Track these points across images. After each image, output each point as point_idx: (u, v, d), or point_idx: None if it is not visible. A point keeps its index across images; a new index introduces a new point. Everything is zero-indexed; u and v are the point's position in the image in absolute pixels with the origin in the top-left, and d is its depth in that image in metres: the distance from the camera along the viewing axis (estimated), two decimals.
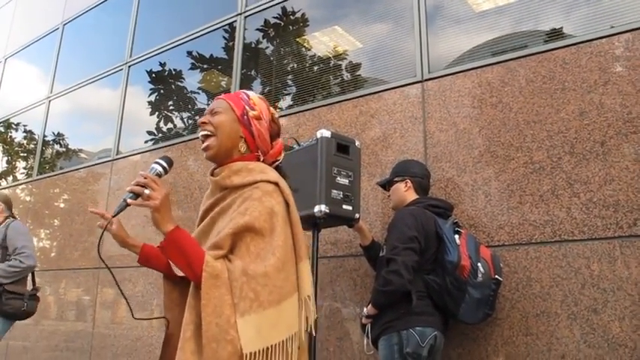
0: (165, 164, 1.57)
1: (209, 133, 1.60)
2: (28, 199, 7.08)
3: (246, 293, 1.35)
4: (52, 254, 6.33)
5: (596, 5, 2.99)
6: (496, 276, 2.52)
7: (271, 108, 1.72)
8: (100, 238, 1.54)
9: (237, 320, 1.33)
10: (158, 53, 5.77)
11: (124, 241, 1.66)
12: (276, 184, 1.53)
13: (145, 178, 1.44)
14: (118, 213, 1.46)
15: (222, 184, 1.56)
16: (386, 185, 2.95)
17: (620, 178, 2.60)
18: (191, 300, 1.42)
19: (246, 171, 1.55)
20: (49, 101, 7.10)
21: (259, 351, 1.34)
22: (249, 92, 1.72)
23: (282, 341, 1.39)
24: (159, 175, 1.54)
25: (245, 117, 1.62)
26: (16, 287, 3.77)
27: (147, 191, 1.41)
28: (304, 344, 1.52)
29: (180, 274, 1.51)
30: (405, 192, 2.83)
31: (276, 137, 1.72)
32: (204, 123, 1.62)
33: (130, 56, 6.07)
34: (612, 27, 2.84)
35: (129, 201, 1.43)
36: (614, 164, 2.63)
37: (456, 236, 2.59)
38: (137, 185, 1.43)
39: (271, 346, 1.36)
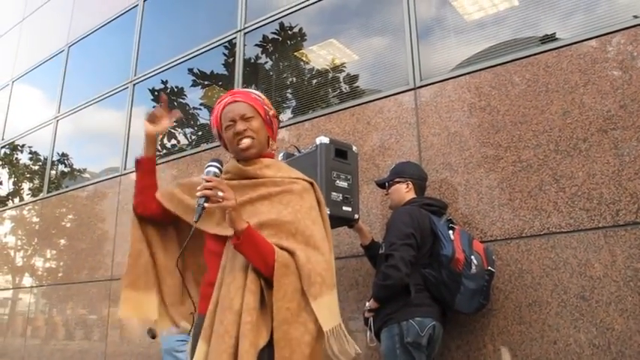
0: (219, 165, 1.62)
1: (253, 137, 1.71)
2: (35, 219, 7.25)
3: (315, 279, 1.52)
4: (60, 274, 6.48)
5: (576, 12, 3.18)
6: (489, 267, 2.67)
7: None
8: (189, 238, 1.63)
9: (312, 303, 1.50)
10: (162, 71, 5.96)
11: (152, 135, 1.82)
12: (312, 183, 1.72)
13: (211, 181, 1.51)
14: (199, 218, 1.51)
15: (254, 173, 1.70)
16: (385, 184, 3.08)
17: (602, 172, 2.76)
18: (251, 285, 1.52)
19: (275, 167, 1.74)
20: (57, 121, 7.30)
21: (334, 328, 1.53)
22: (257, 91, 1.83)
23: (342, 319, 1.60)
24: (217, 176, 1.59)
25: (267, 117, 1.77)
26: None
27: (220, 193, 1.48)
28: None
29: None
30: (406, 192, 2.97)
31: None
32: (245, 130, 1.70)
33: (135, 75, 6.28)
34: (590, 31, 3.02)
35: (206, 205, 1.49)
36: (596, 159, 2.79)
37: (450, 232, 2.74)
38: (206, 189, 1.49)
39: (340, 323, 1.57)
